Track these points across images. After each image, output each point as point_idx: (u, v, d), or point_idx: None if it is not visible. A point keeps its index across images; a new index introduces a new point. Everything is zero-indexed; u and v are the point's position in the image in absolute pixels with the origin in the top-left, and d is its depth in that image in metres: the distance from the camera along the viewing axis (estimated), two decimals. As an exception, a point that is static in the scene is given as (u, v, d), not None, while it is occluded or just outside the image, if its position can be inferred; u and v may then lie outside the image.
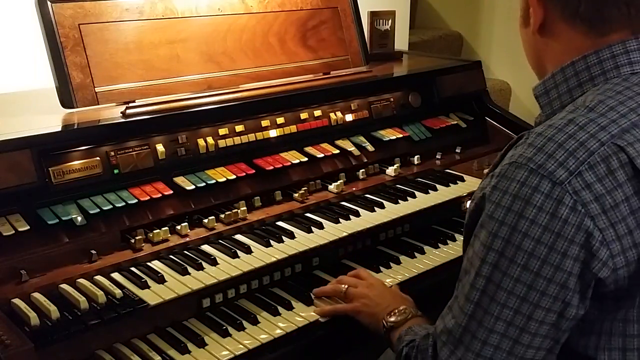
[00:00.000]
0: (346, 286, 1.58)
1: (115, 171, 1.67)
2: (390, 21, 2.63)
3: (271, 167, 1.88)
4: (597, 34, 1.18)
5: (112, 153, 1.67)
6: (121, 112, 1.74)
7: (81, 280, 1.48)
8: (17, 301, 1.38)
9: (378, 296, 1.54)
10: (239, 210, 1.77)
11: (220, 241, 1.70)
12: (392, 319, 1.45)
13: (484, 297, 1.10)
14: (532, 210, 1.05)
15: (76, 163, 1.61)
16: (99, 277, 1.50)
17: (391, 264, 1.78)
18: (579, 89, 1.19)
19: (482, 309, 1.10)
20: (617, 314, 1.08)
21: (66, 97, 1.70)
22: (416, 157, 2.22)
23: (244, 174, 1.83)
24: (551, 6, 1.20)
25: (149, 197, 1.66)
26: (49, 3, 1.69)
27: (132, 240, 1.61)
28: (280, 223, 1.82)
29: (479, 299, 1.10)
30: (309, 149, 2.00)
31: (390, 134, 2.19)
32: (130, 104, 1.77)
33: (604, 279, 1.05)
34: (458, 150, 2.34)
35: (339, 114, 2.11)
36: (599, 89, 1.15)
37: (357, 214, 1.87)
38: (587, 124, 1.08)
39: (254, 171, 1.85)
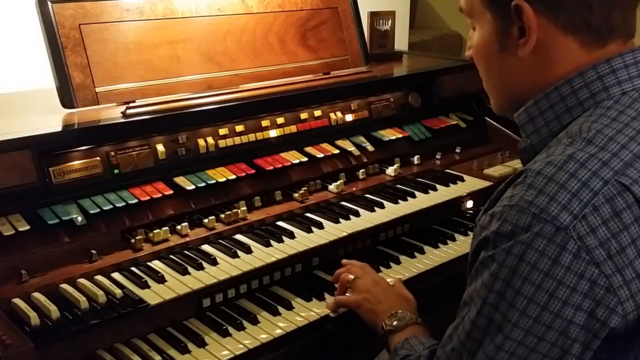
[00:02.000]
0: (353, 277, 1.59)
1: (116, 171, 1.67)
2: (390, 21, 2.64)
3: (271, 167, 1.89)
4: (598, 45, 1.12)
5: (113, 153, 1.67)
6: (121, 112, 1.74)
7: (81, 280, 1.48)
8: (17, 301, 1.38)
9: (381, 294, 1.54)
10: (239, 210, 1.77)
11: (220, 241, 1.70)
12: (391, 322, 1.44)
13: (485, 337, 1.06)
14: (533, 255, 1.01)
15: (76, 163, 1.61)
16: (99, 277, 1.50)
17: (391, 264, 1.78)
18: (567, 115, 1.14)
19: (482, 348, 1.07)
20: (628, 355, 1.05)
21: (66, 97, 1.71)
22: (416, 157, 2.22)
23: (244, 174, 1.83)
24: (550, 19, 1.12)
25: (149, 197, 1.66)
26: (49, 3, 1.69)
27: (133, 240, 1.61)
28: (280, 223, 1.82)
29: (480, 337, 1.07)
30: (309, 149, 2.01)
31: (390, 134, 2.19)
32: (131, 104, 1.77)
33: (614, 326, 1.00)
34: (458, 150, 2.34)
35: (339, 114, 2.11)
36: (592, 115, 1.10)
37: (357, 214, 1.87)
38: (588, 159, 1.03)
39: (254, 171, 1.86)
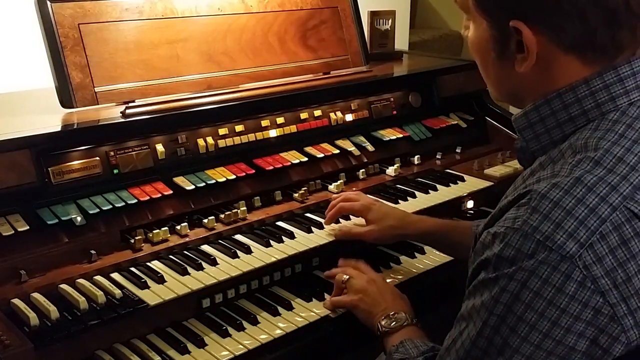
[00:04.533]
0: (347, 277, 1.58)
1: (115, 171, 1.66)
2: (390, 21, 2.63)
3: (271, 167, 1.88)
4: (603, 61, 1.08)
5: (112, 153, 1.67)
6: (121, 112, 1.74)
7: (81, 281, 1.48)
8: (16, 301, 1.38)
9: (377, 293, 1.53)
10: (238, 210, 1.77)
11: (220, 241, 1.70)
12: (387, 323, 1.44)
13: (485, 357, 1.05)
14: (536, 282, 0.99)
15: (76, 163, 1.61)
16: (98, 277, 1.50)
17: (391, 264, 1.78)
18: (570, 124, 1.11)
19: None
20: None
21: (66, 97, 1.70)
22: (416, 157, 2.22)
23: (244, 174, 1.83)
24: (551, 38, 1.08)
25: (148, 197, 1.66)
26: (48, 3, 1.68)
27: (132, 240, 1.61)
28: (280, 223, 1.82)
29: (481, 356, 1.06)
30: (309, 149, 2.00)
31: (390, 134, 2.19)
32: (130, 104, 1.77)
33: (617, 354, 0.99)
34: (458, 150, 2.34)
35: (339, 114, 2.11)
36: (598, 130, 1.07)
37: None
38: (596, 183, 1.00)
39: (254, 171, 1.85)
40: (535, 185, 1.05)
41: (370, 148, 2.12)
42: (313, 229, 1.77)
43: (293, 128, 2.00)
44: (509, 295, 1.01)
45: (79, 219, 1.56)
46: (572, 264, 0.97)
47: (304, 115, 2.03)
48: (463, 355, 1.08)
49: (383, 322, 1.44)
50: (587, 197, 0.99)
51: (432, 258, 1.83)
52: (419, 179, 2.13)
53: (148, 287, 1.48)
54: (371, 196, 1.91)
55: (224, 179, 1.79)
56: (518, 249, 1.01)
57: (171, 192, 1.70)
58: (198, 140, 1.81)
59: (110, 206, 1.60)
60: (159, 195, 1.68)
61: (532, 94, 1.16)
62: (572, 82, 1.10)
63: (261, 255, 1.64)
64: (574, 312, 0.98)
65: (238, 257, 1.62)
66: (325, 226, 1.79)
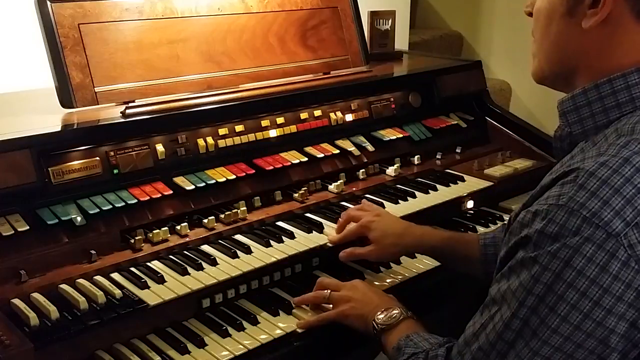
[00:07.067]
0: (329, 291, 1.53)
1: (115, 171, 1.66)
2: (390, 21, 2.63)
3: (271, 167, 1.88)
4: None
5: (112, 153, 1.67)
6: (121, 112, 1.74)
7: (81, 281, 1.48)
8: (16, 301, 1.38)
9: (363, 297, 1.49)
10: (238, 210, 1.77)
11: (220, 241, 1.70)
12: (382, 319, 1.40)
13: (518, 340, 1.05)
14: (580, 261, 0.98)
15: (76, 163, 1.61)
16: (98, 278, 1.50)
17: (391, 264, 1.78)
18: (616, 110, 1.12)
19: (515, 351, 1.05)
20: None
21: (66, 97, 1.70)
22: (416, 157, 2.22)
23: (244, 174, 1.83)
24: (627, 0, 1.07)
25: (148, 197, 1.66)
26: (48, 3, 1.68)
27: (132, 241, 1.61)
28: (280, 223, 1.82)
29: (513, 339, 1.05)
30: (309, 149, 2.00)
31: (390, 134, 2.19)
32: (130, 104, 1.77)
33: None
34: (458, 150, 2.34)
35: (339, 114, 2.11)
36: None
37: (357, 214, 1.86)
38: None
39: (254, 171, 1.85)
40: (580, 164, 1.05)
41: (370, 148, 2.12)
42: (313, 229, 1.77)
43: (293, 128, 2.00)
44: (551, 273, 1.01)
45: (79, 219, 1.56)
46: (617, 242, 0.97)
47: (304, 115, 2.03)
48: (494, 338, 1.07)
49: (378, 320, 1.41)
50: (635, 177, 1.00)
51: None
52: (419, 179, 2.13)
53: (148, 287, 1.48)
54: (374, 205, 1.85)
55: (224, 179, 1.79)
56: (562, 225, 1.00)
57: (171, 192, 1.70)
58: (198, 140, 1.81)
59: (110, 206, 1.60)
60: (159, 195, 1.68)
61: (586, 65, 1.15)
62: (626, 66, 1.11)
63: (261, 255, 1.64)
64: (616, 292, 0.97)
65: (238, 257, 1.62)
66: (327, 234, 1.77)
